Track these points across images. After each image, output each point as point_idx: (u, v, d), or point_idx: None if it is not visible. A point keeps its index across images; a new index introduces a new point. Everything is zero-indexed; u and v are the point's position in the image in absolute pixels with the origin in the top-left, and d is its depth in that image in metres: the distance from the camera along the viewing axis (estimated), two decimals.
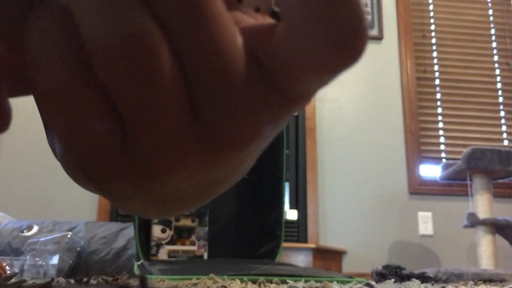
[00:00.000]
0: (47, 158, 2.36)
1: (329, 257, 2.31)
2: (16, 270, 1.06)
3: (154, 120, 0.12)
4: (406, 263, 1.84)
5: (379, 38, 2.82)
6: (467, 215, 2.08)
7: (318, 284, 0.37)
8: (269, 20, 0.16)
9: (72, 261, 1.27)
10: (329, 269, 1.74)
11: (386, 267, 1.39)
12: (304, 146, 2.57)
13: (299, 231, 2.45)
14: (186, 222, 1.04)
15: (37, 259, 1.13)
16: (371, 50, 2.80)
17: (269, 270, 0.67)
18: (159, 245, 1.01)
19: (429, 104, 2.79)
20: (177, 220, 1.04)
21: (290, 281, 0.46)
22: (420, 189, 2.62)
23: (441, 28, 2.90)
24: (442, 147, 2.74)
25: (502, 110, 2.83)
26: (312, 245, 2.22)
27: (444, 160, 2.62)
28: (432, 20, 2.92)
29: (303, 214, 2.49)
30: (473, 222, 2.05)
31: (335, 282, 0.54)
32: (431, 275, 1.29)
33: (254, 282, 0.45)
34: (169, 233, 1.02)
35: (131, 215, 1.00)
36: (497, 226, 2.04)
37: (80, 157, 0.13)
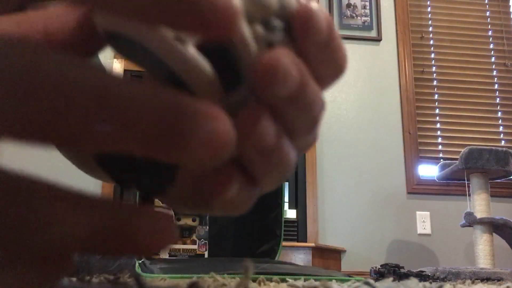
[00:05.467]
0: (49, 157, 2.37)
1: (328, 256, 2.32)
2: None
3: None
4: (404, 262, 1.84)
5: (377, 39, 2.83)
6: (465, 214, 2.10)
7: (317, 283, 0.38)
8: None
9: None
10: (328, 268, 1.74)
11: (384, 265, 1.40)
12: None
13: (298, 230, 2.46)
14: (187, 221, 1.05)
15: None
16: (369, 51, 2.81)
17: (269, 268, 0.68)
18: None
19: (427, 104, 2.80)
20: (178, 219, 1.05)
21: (290, 280, 0.47)
22: (418, 189, 2.63)
23: (439, 30, 2.91)
24: (440, 147, 2.75)
25: (499, 110, 2.84)
26: (311, 244, 2.23)
27: (442, 160, 2.63)
28: (430, 22, 2.93)
29: (302, 214, 2.50)
30: (471, 221, 2.07)
31: (334, 281, 0.55)
32: (429, 274, 1.31)
33: (254, 280, 0.46)
34: None
35: None
36: (494, 225, 2.05)
37: None
